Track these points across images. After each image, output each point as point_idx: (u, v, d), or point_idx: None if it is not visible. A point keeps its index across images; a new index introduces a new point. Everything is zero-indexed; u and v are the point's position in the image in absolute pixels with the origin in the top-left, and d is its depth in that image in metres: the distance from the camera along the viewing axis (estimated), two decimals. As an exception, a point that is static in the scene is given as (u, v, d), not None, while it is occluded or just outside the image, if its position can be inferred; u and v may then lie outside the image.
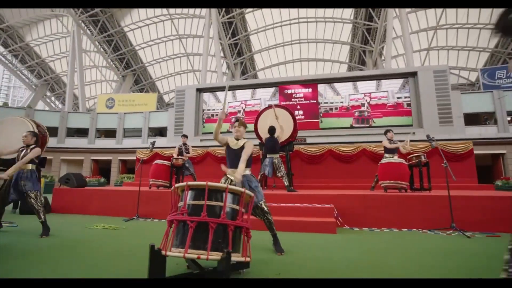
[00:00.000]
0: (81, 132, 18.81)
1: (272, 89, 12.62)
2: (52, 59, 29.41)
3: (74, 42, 22.83)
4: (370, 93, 11.52)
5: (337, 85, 12.00)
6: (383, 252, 2.78)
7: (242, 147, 2.69)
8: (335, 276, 2.05)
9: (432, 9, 21.74)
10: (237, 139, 2.77)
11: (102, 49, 27.14)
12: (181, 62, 29.82)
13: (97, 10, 23.62)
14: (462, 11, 21.59)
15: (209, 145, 9.89)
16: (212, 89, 13.30)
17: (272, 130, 5.68)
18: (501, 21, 0.76)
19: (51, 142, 15.46)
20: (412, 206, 4.18)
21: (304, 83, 12.40)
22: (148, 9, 24.36)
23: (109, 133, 18.87)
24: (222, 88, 13.21)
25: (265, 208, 2.67)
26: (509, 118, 13.51)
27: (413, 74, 11.24)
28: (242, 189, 1.96)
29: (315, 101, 11.97)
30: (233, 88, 13.10)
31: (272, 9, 23.44)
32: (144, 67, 29.85)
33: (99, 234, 3.63)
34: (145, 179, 6.58)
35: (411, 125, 10.86)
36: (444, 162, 3.85)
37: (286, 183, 5.51)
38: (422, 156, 5.22)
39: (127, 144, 17.90)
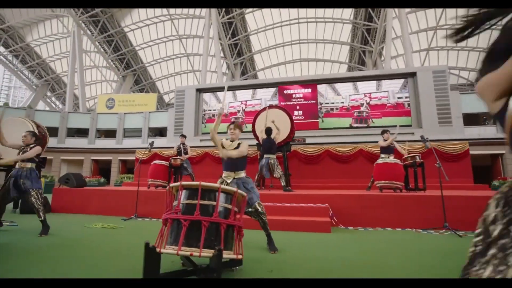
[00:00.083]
0: (81, 132, 18.89)
1: (273, 89, 12.67)
2: (53, 59, 29.51)
3: (74, 42, 22.92)
4: (370, 93, 11.57)
5: (337, 86, 12.06)
6: (376, 251, 2.84)
7: (238, 146, 2.76)
8: (327, 274, 2.11)
9: (432, 10, 21.76)
10: (232, 141, 2.83)
11: (102, 50, 27.22)
12: (181, 62, 29.89)
13: (97, 10, 23.69)
14: (462, 11, 21.58)
15: (209, 145, 9.96)
16: (212, 89, 13.37)
17: (268, 131, 5.75)
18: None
19: (51, 142, 15.55)
20: (406, 206, 4.23)
21: (304, 83, 12.45)
22: (148, 10, 24.44)
23: (109, 133, 18.95)
24: (222, 89, 13.27)
25: (260, 209, 2.72)
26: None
27: (412, 75, 11.29)
28: (235, 189, 2.03)
29: (314, 101, 12.02)
30: (232, 88, 13.17)
31: (272, 10, 23.49)
32: (144, 67, 29.93)
33: (98, 233, 3.69)
34: (145, 179, 6.65)
35: (410, 125, 10.91)
36: (437, 162, 3.90)
37: (283, 183, 5.57)
38: (417, 157, 5.28)
39: (127, 144, 17.97)
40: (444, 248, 2.94)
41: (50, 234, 3.47)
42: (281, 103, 12.12)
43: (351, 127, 11.45)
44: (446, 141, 8.67)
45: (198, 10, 23.56)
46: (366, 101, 11.53)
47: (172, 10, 24.46)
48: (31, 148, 3.61)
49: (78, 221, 4.67)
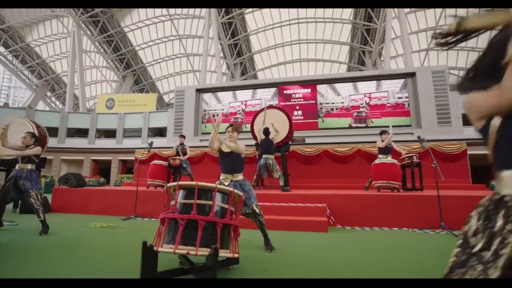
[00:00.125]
0: (81, 132, 18.93)
1: (273, 89, 12.70)
2: (53, 59, 29.55)
3: (74, 42, 22.96)
4: (370, 93, 11.60)
5: (337, 86, 12.09)
6: (373, 250, 2.87)
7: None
8: (323, 273, 2.14)
9: (431, 10, 21.79)
10: (229, 144, 2.85)
11: (102, 50, 27.27)
12: (181, 63, 29.93)
13: (97, 10, 23.73)
14: (461, 12, 21.64)
15: (208, 145, 9.98)
16: (212, 90, 13.40)
17: (266, 131, 5.78)
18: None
19: (52, 142, 15.58)
20: (403, 206, 4.26)
21: (303, 83, 12.49)
22: (148, 10, 24.47)
23: (109, 133, 18.98)
24: (221, 89, 13.31)
25: (257, 211, 2.76)
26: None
27: (412, 75, 11.31)
28: (231, 189, 2.06)
29: (314, 102, 12.06)
30: (232, 88, 13.22)
31: (272, 10, 23.52)
32: (144, 67, 29.97)
33: (97, 233, 3.72)
34: (144, 179, 6.68)
35: (410, 126, 10.94)
36: (434, 162, 3.93)
37: (281, 183, 5.60)
38: (414, 157, 5.31)
39: (127, 144, 18.01)
40: (440, 247, 2.97)
41: (50, 234, 3.50)
42: (281, 103, 12.16)
43: (350, 127, 11.49)
44: (445, 141, 8.70)
45: (198, 10, 23.59)
46: (365, 101, 11.57)
47: (172, 10, 24.49)
48: (30, 149, 3.63)
49: (78, 220, 4.70)
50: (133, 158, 14.70)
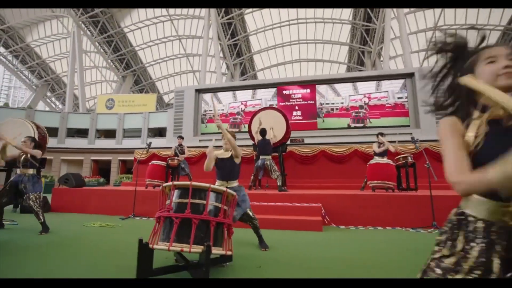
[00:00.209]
0: (81, 133, 19.00)
1: (273, 89, 12.76)
2: (53, 59, 29.63)
3: (74, 42, 23.04)
4: (369, 93, 11.65)
5: (337, 86, 12.14)
6: (365, 249, 2.94)
7: (231, 156, 2.85)
8: (314, 271, 2.21)
9: (431, 10, 21.86)
10: (226, 151, 2.92)
11: (102, 50, 27.34)
12: (180, 63, 30.00)
13: (97, 11, 23.81)
14: (461, 12, 21.72)
15: (208, 145, 10.05)
16: (211, 90, 13.46)
17: (263, 132, 5.85)
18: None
19: (51, 142, 15.65)
20: (397, 206, 4.34)
21: (302, 84, 12.55)
22: (147, 10, 24.54)
23: (109, 134, 19.06)
24: (221, 89, 13.38)
25: (251, 214, 2.86)
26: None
27: (411, 75, 11.37)
28: (224, 189, 2.13)
29: (313, 102, 12.13)
30: (231, 89, 13.29)
31: (271, 10, 23.59)
32: (144, 67, 30.05)
33: (96, 232, 3.79)
34: (143, 179, 6.75)
35: (408, 126, 11.00)
36: (427, 163, 4.01)
37: (279, 183, 5.67)
38: (409, 157, 5.38)
39: (127, 144, 18.08)
40: (431, 246, 3.03)
41: (50, 233, 3.57)
42: (280, 104, 12.23)
43: (349, 127, 11.56)
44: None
45: (197, 10, 23.66)
46: (365, 101, 11.63)
47: (171, 11, 24.56)
48: (30, 154, 3.67)
49: (77, 220, 4.77)
50: (132, 158, 14.77)
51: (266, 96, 12.76)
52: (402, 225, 4.16)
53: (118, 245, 3.02)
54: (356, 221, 4.34)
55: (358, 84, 11.92)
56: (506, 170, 0.60)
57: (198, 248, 1.83)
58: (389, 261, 2.45)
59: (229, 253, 2.09)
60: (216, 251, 1.95)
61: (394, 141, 5.66)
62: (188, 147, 7.43)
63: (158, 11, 24.64)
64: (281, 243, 3.11)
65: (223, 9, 22.67)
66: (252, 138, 6.65)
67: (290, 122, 7.11)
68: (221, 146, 2.96)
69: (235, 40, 25.55)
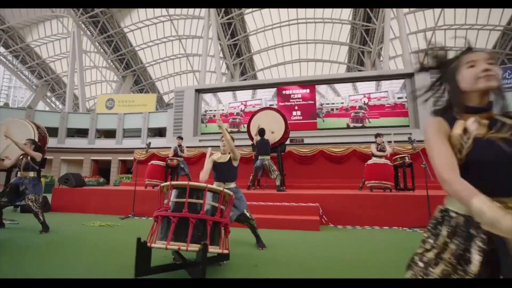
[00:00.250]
0: (81, 133, 19.05)
1: (273, 90, 12.80)
2: (53, 59, 29.67)
3: (74, 42, 23.08)
4: (369, 93, 11.69)
5: (337, 86, 12.18)
6: (361, 248, 2.97)
7: (229, 159, 2.88)
8: (310, 269, 2.25)
9: (430, 10, 21.87)
10: (223, 153, 2.96)
11: (102, 50, 27.38)
12: (180, 63, 30.04)
13: (97, 11, 23.84)
14: (460, 12, 21.74)
15: (208, 145, 10.08)
16: (211, 90, 13.51)
17: (261, 132, 5.88)
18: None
19: (52, 142, 15.69)
20: (395, 205, 4.37)
21: (302, 84, 12.59)
22: (147, 10, 24.57)
23: (109, 134, 19.10)
24: (220, 89, 13.42)
25: (248, 215, 2.91)
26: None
27: (410, 75, 11.39)
28: (221, 188, 2.16)
29: (312, 102, 12.17)
30: (231, 89, 13.33)
31: (271, 10, 23.62)
32: (144, 67, 30.08)
33: (96, 231, 3.83)
34: (142, 179, 6.79)
35: (408, 126, 11.03)
36: (423, 163, 4.04)
37: (277, 183, 5.70)
38: (406, 157, 5.42)
39: (127, 144, 18.13)
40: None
41: (49, 232, 3.61)
42: (280, 104, 12.28)
43: (348, 127, 11.59)
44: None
45: (197, 10, 23.70)
46: (364, 101, 11.66)
47: (171, 11, 24.60)
48: (31, 156, 3.70)
49: (77, 219, 4.80)
50: (132, 158, 14.82)
51: (266, 96, 12.80)
52: (399, 225, 4.19)
53: (117, 244, 3.05)
54: (354, 220, 4.37)
55: (358, 84, 11.95)
56: (491, 216, 0.66)
57: (195, 247, 1.87)
58: (386, 261, 2.48)
59: (226, 251, 2.12)
60: (213, 249, 1.99)
61: (390, 141, 5.68)
62: (188, 147, 7.48)
63: (158, 11, 24.67)
64: (278, 242, 3.14)
65: (223, 9, 22.70)
66: (251, 138, 6.68)
67: (289, 122, 7.16)
68: (218, 146, 3.00)
69: (235, 40, 25.58)
